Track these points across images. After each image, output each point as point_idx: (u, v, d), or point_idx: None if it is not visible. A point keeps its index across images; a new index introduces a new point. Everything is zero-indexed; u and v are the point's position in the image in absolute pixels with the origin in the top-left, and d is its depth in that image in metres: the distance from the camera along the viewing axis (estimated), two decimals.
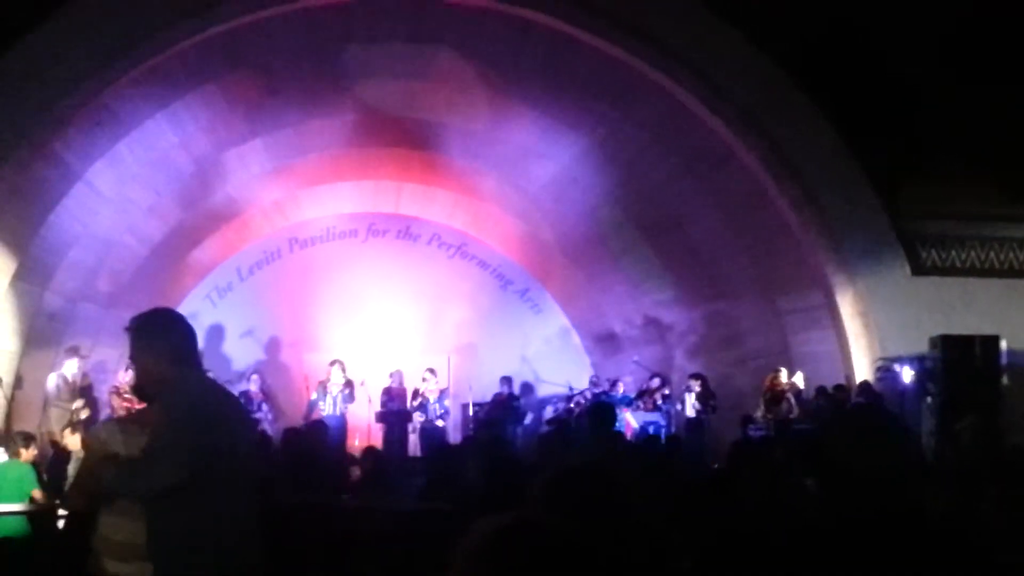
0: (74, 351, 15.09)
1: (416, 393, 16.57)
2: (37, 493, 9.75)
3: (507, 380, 17.55)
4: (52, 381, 14.62)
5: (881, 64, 14.68)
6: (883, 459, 3.70)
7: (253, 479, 4.56)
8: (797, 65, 14.85)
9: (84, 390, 15.26)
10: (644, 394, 16.87)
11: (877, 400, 13.66)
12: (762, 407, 15.32)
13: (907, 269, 15.26)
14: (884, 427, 3.93)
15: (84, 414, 14.05)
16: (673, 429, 16.20)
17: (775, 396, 15.32)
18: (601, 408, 11.22)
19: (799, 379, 15.58)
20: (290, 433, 10.97)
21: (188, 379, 4.46)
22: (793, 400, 15.25)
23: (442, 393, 16.78)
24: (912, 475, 3.96)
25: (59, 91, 13.39)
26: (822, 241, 15.31)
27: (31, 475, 9.89)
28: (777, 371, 15.56)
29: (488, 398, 17.57)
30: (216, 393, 4.60)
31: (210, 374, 15.62)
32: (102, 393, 15.64)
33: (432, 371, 16.84)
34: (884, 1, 14.56)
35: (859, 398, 14.12)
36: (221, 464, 4.26)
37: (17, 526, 9.35)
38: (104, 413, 14.68)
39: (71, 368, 14.83)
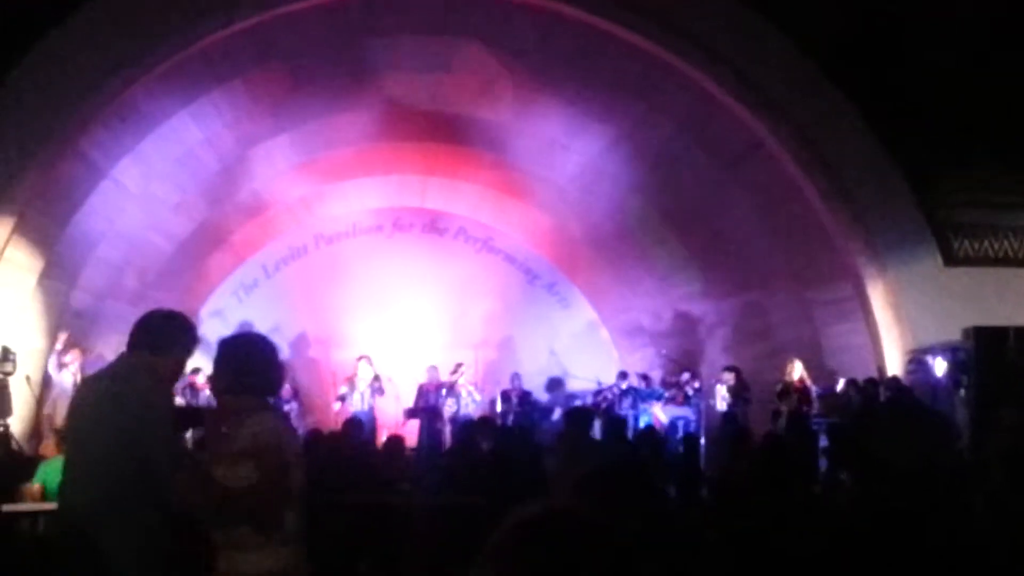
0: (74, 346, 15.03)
1: (449, 386, 16.52)
2: None
3: (516, 377, 17.42)
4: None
5: (912, 53, 14.51)
6: (925, 454, 3.62)
7: None
8: (827, 54, 14.69)
9: None
10: (672, 387, 16.77)
11: (907, 393, 13.53)
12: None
13: (939, 259, 15.07)
14: (925, 422, 3.84)
15: None
16: (703, 424, 16.08)
17: (784, 388, 15.21)
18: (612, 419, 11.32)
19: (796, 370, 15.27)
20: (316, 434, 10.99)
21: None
22: (812, 392, 15.11)
23: (474, 385, 16.74)
24: (953, 470, 3.87)
25: (85, 88, 13.40)
26: (853, 232, 15.14)
27: None
28: (789, 362, 15.38)
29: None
30: None
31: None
32: None
33: (460, 365, 16.81)
34: None
35: (888, 392, 13.98)
36: None
37: None
38: None
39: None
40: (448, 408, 16.33)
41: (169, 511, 4.58)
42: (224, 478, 4.21)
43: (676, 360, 17.46)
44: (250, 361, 4.49)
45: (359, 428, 11.67)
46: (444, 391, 16.50)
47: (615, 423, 11.63)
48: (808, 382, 15.19)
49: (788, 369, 15.30)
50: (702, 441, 15.12)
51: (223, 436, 4.42)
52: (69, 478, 4.76)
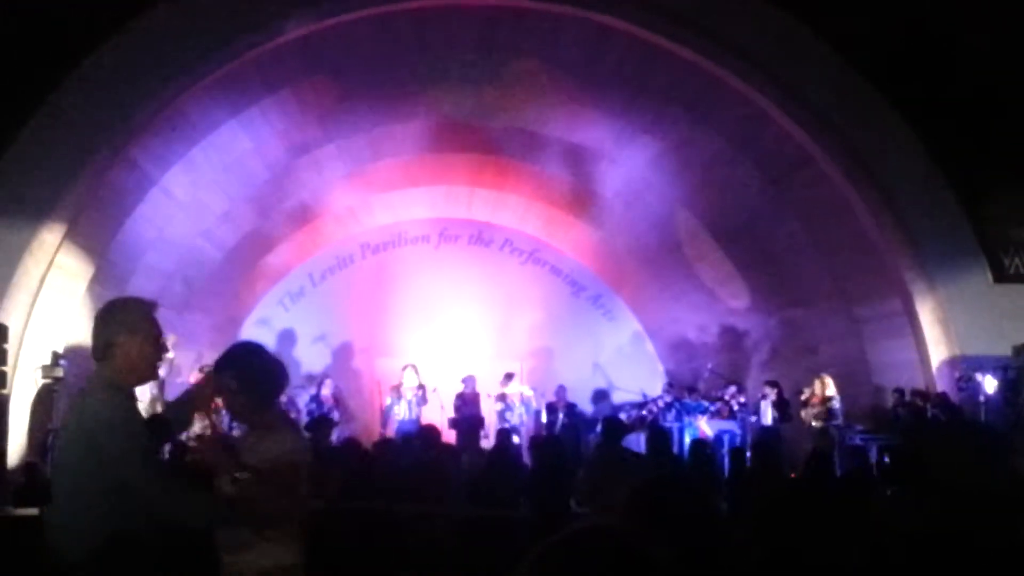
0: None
1: (500, 396, 16.53)
2: None
3: (561, 389, 17.36)
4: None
5: (964, 69, 14.38)
6: (982, 472, 3.57)
7: None
8: (877, 69, 14.58)
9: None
10: (717, 401, 16.69)
11: (955, 411, 13.39)
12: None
13: (989, 276, 14.90)
14: (982, 439, 3.79)
15: None
16: (748, 438, 15.98)
17: (804, 403, 15.39)
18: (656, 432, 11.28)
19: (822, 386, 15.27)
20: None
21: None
22: (836, 406, 15.07)
23: (526, 399, 16.68)
24: (1010, 488, 3.81)
25: (136, 98, 13.52)
26: (901, 248, 15.02)
27: None
28: (818, 377, 15.40)
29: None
30: None
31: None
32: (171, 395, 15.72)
33: (511, 375, 16.82)
34: (966, 5, 14.26)
35: (935, 410, 13.84)
36: None
37: None
38: None
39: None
40: (506, 417, 16.30)
41: (160, 527, 4.28)
42: (232, 486, 4.21)
43: (722, 374, 17.36)
44: (255, 372, 4.48)
45: (411, 444, 11.69)
46: (495, 400, 16.51)
47: (658, 436, 11.54)
48: (833, 399, 15.11)
49: (815, 384, 15.33)
50: (748, 455, 15.03)
51: (235, 446, 4.45)
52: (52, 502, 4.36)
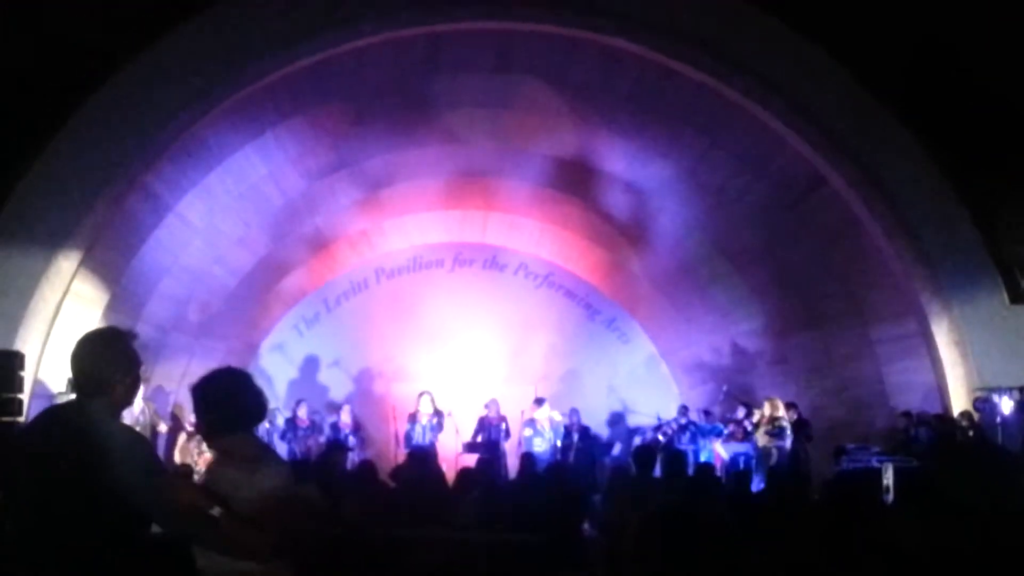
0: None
1: (529, 421, 16.50)
2: None
3: (574, 412, 17.28)
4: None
5: (976, 88, 14.36)
6: (997, 494, 3.56)
7: None
8: (890, 90, 14.58)
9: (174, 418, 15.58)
10: (731, 423, 16.64)
11: (978, 431, 13.35)
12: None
13: (1005, 297, 14.84)
14: (998, 461, 3.79)
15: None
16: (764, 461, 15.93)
17: (757, 425, 15.93)
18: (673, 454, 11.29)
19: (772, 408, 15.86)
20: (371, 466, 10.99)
21: None
22: (784, 425, 15.65)
23: (555, 424, 16.61)
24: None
25: (152, 124, 13.58)
26: (917, 268, 14.97)
27: None
28: (768, 400, 16.09)
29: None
30: None
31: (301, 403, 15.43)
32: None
33: (541, 400, 16.78)
34: (979, 23, 14.24)
35: (962, 426, 13.80)
36: None
37: None
38: None
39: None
40: (535, 442, 16.25)
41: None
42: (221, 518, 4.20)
43: (736, 396, 17.31)
44: (233, 396, 4.45)
45: (422, 462, 11.69)
46: (524, 425, 16.48)
47: (674, 459, 11.54)
48: (781, 419, 15.68)
49: (765, 406, 15.90)
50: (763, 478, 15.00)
51: (224, 476, 4.41)
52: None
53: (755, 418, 15.92)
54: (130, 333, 4.56)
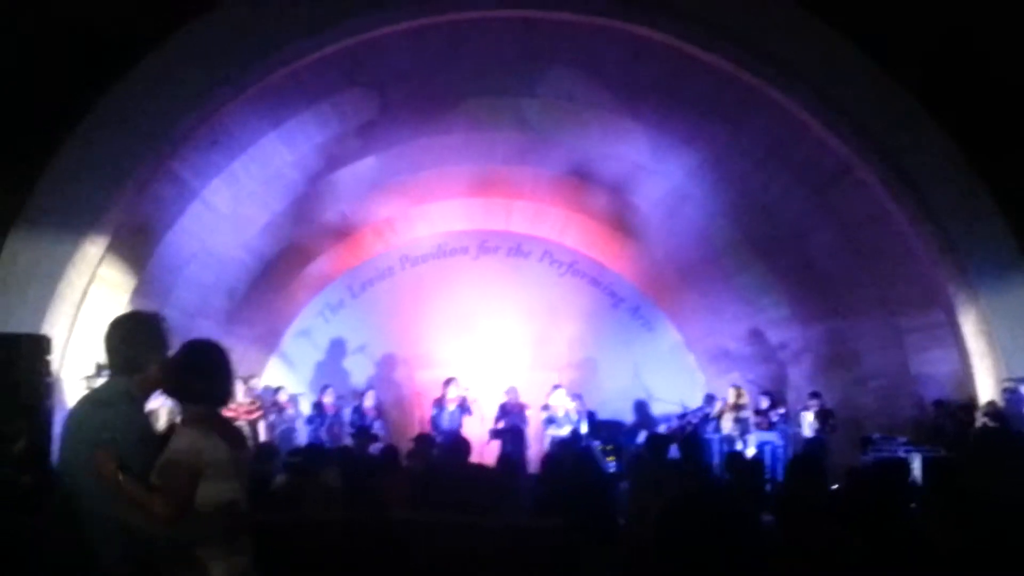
0: None
1: (544, 406, 16.50)
2: None
3: (577, 397, 17.22)
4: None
5: (1005, 76, 14.24)
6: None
7: None
8: (917, 78, 14.48)
9: None
10: (756, 414, 16.61)
11: (1004, 421, 13.27)
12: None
13: None
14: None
15: None
16: (791, 449, 15.91)
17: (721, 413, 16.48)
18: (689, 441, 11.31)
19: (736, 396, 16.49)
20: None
21: None
22: (745, 415, 16.29)
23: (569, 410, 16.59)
24: None
25: (178, 110, 13.62)
26: (943, 258, 14.88)
27: None
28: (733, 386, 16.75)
29: (600, 416, 17.47)
30: None
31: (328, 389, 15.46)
32: None
33: (557, 386, 16.77)
34: (1005, 12, 14.11)
35: (985, 419, 13.72)
36: None
37: None
38: None
39: None
40: (551, 429, 16.27)
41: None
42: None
43: (761, 385, 17.27)
44: (196, 368, 4.50)
45: (430, 443, 11.71)
46: (540, 410, 16.49)
47: (690, 446, 11.60)
48: (744, 408, 16.44)
49: (729, 393, 16.61)
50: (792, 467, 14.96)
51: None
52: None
53: (716, 408, 16.49)
54: (159, 316, 4.68)
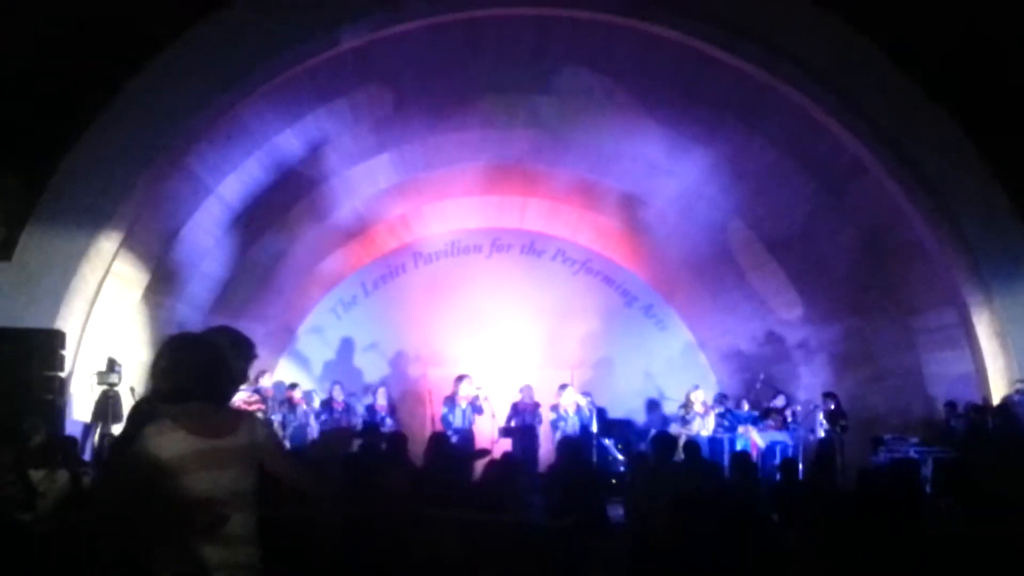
0: None
1: (553, 406, 16.44)
2: None
3: (586, 395, 17.15)
4: None
5: (1020, 77, 14.18)
6: None
7: None
8: (932, 78, 14.43)
9: None
10: (769, 413, 16.58)
11: (1015, 422, 13.24)
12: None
13: None
14: None
15: None
16: (802, 449, 15.89)
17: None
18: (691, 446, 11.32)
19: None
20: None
21: None
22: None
23: (579, 408, 16.53)
24: None
25: (193, 106, 13.62)
26: (958, 258, 14.83)
27: None
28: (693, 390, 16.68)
29: (612, 415, 17.48)
30: None
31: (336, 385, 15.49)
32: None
33: (564, 385, 16.73)
34: (1021, 11, 14.06)
35: (995, 419, 13.68)
36: None
37: None
38: None
39: None
40: (559, 427, 16.22)
41: None
42: None
43: (773, 385, 17.25)
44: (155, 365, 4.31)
45: (445, 442, 11.71)
46: (549, 410, 16.43)
47: (692, 446, 11.70)
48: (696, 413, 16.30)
49: (690, 396, 16.46)
50: (800, 467, 14.93)
51: None
52: None
53: (689, 412, 16.42)
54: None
